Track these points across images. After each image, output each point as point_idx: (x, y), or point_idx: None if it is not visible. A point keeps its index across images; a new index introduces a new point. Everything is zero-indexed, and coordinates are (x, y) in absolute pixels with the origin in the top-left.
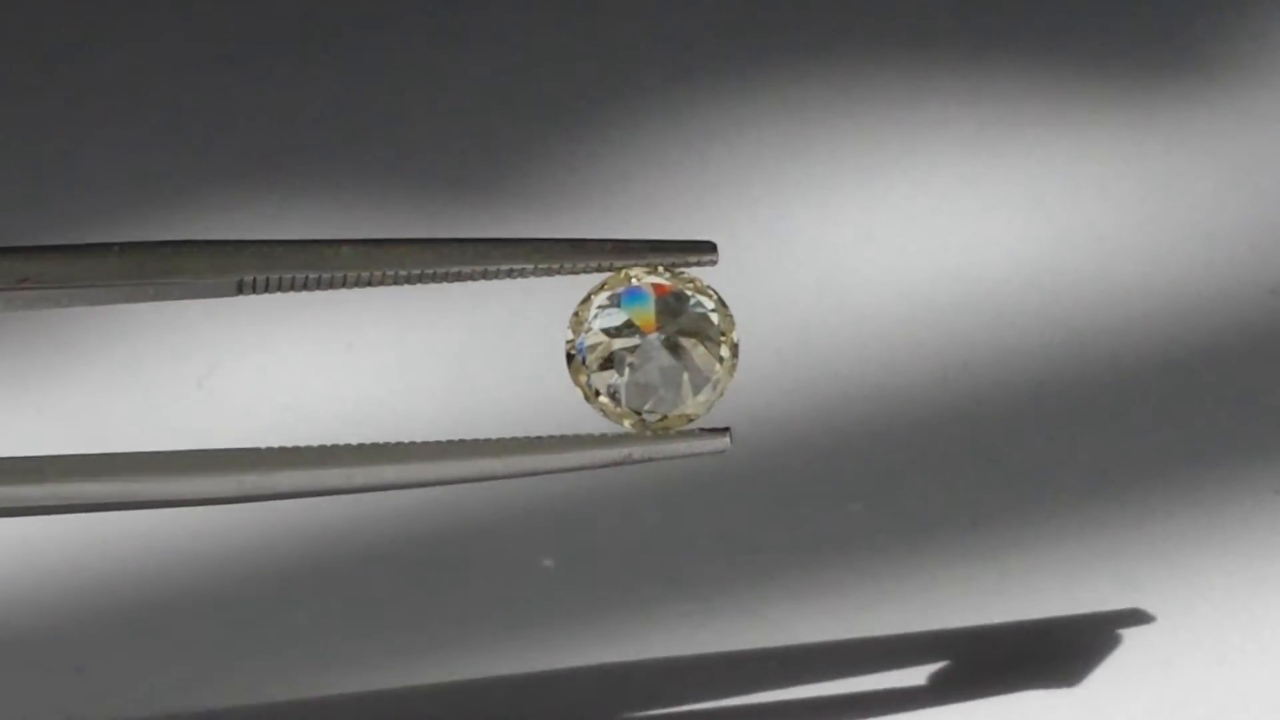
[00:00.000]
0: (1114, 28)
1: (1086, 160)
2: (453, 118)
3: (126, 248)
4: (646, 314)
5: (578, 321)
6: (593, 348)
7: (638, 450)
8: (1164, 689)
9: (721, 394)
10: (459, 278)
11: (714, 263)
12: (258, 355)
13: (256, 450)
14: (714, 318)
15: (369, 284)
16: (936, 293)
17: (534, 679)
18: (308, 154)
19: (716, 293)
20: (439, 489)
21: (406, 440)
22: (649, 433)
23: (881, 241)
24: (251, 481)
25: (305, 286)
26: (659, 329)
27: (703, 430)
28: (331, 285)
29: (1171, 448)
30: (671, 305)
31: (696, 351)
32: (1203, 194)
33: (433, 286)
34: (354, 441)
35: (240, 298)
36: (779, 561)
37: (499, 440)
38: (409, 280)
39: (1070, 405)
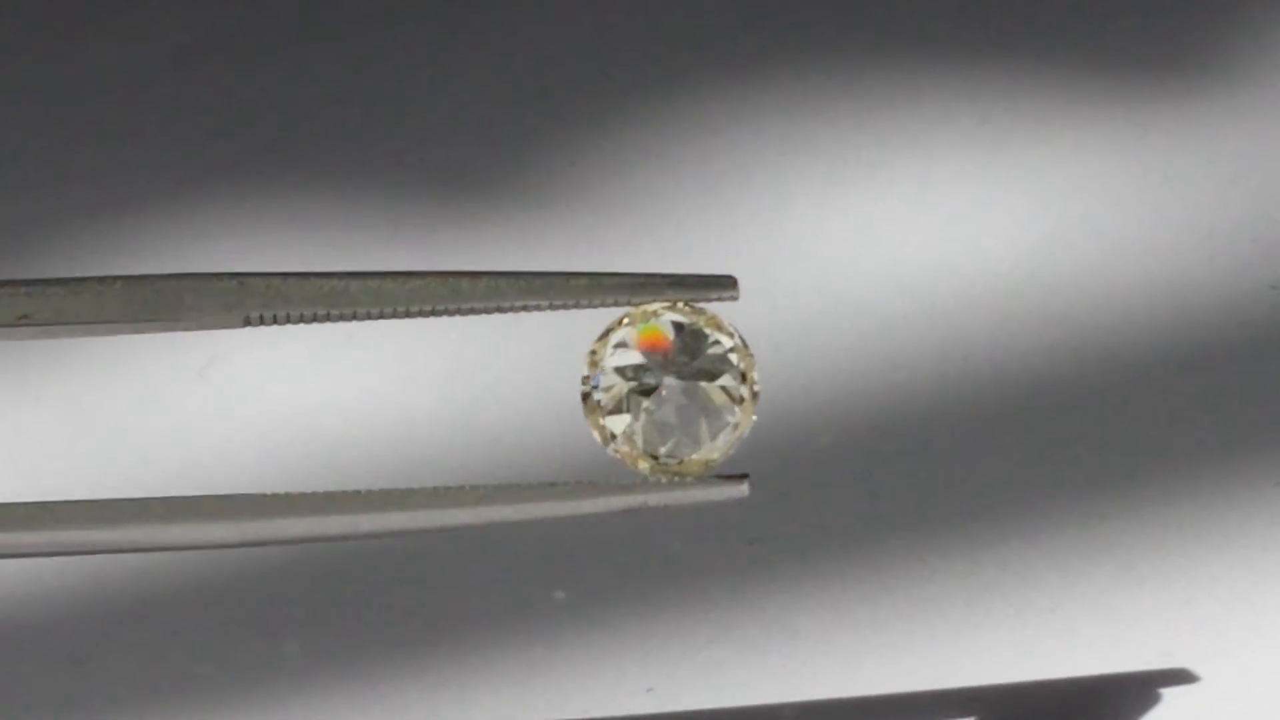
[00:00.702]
0: (1116, 24)
1: (1087, 155)
2: (454, 111)
3: (129, 283)
4: (660, 334)
5: (594, 359)
6: (608, 388)
7: (653, 498)
8: (1164, 680)
9: (741, 437)
10: (473, 312)
11: (735, 298)
12: (258, 346)
13: (260, 496)
14: (733, 358)
15: (380, 318)
16: (937, 286)
17: (533, 670)
18: (308, 149)
19: (737, 331)
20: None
21: (413, 486)
22: (665, 477)
23: (882, 235)
24: (253, 529)
25: (314, 320)
26: (676, 367)
27: (720, 477)
28: (341, 319)
29: (1172, 441)
30: (690, 345)
31: (715, 393)
32: (1203, 189)
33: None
34: (360, 489)
35: None
36: (778, 553)
37: (510, 487)
38: (421, 315)
39: (1071, 398)
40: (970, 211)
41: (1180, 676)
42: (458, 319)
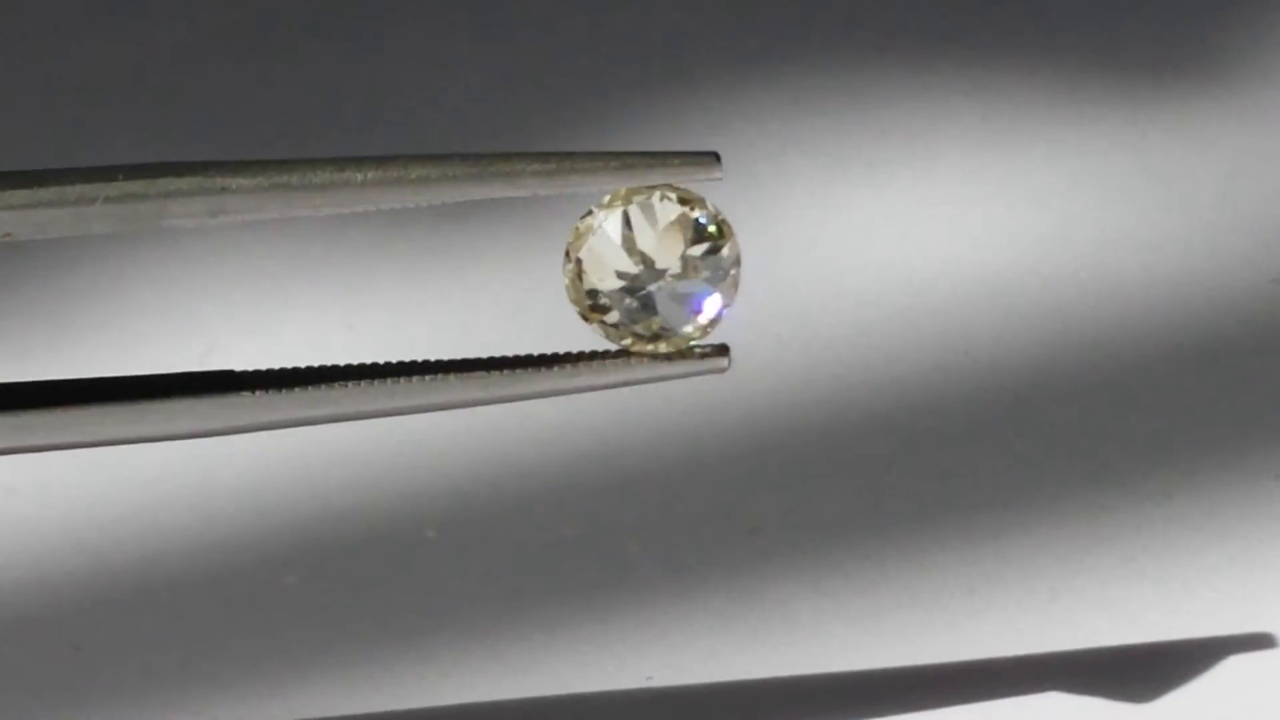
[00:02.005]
0: (1117, 20)
1: (1088, 150)
2: (454, 109)
3: (111, 199)
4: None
5: (577, 236)
6: (592, 270)
7: (636, 373)
8: (1163, 672)
9: (724, 311)
10: (452, 197)
11: (719, 177)
12: (257, 335)
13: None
14: (716, 238)
15: (350, 208)
16: (938, 281)
17: (532, 658)
18: (309, 147)
19: (716, 209)
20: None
21: (397, 362)
22: (649, 349)
23: (884, 230)
24: (245, 419)
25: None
26: (659, 258)
27: (702, 351)
28: (310, 208)
29: (1172, 433)
30: (674, 229)
31: (699, 272)
32: (1203, 184)
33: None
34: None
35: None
36: (778, 543)
37: (493, 362)
38: (390, 205)
39: (1071, 391)
40: (971, 207)
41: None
42: (459, 304)
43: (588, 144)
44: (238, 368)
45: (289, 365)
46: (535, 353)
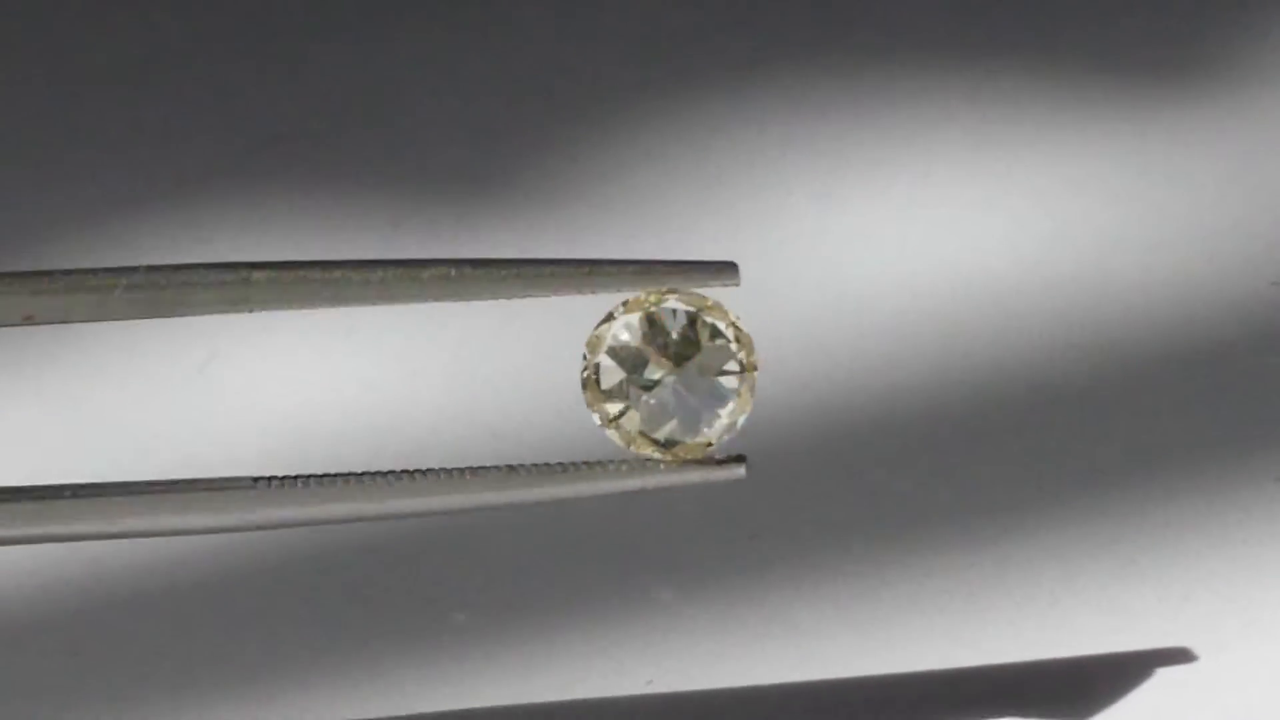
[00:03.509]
0: (1115, 22)
1: (1087, 153)
2: (454, 108)
3: (133, 286)
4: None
5: (594, 344)
6: (608, 373)
7: (651, 480)
8: (1163, 675)
9: (739, 422)
10: (474, 298)
11: (735, 284)
12: (258, 340)
13: (257, 481)
14: (733, 347)
15: (377, 304)
16: (937, 283)
17: (533, 662)
18: (309, 147)
19: (737, 318)
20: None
21: (413, 468)
22: (664, 459)
23: (883, 232)
24: (255, 516)
25: (317, 306)
26: (675, 358)
27: (718, 460)
28: (341, 304)
29: (1172, 436)
30: (689, 334)
31: (714, 383)
32: (1203, 186)
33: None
34: (359, 469)
35: None
36: (778, 547)
37: (506, 470)
38: (417, 300)
39: (1071, 394)
40: (970, 209)
41: (1179, 668)
42: (458, 311)
43: (588, 143)
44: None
45: (305, 472)
46: (553, 460)
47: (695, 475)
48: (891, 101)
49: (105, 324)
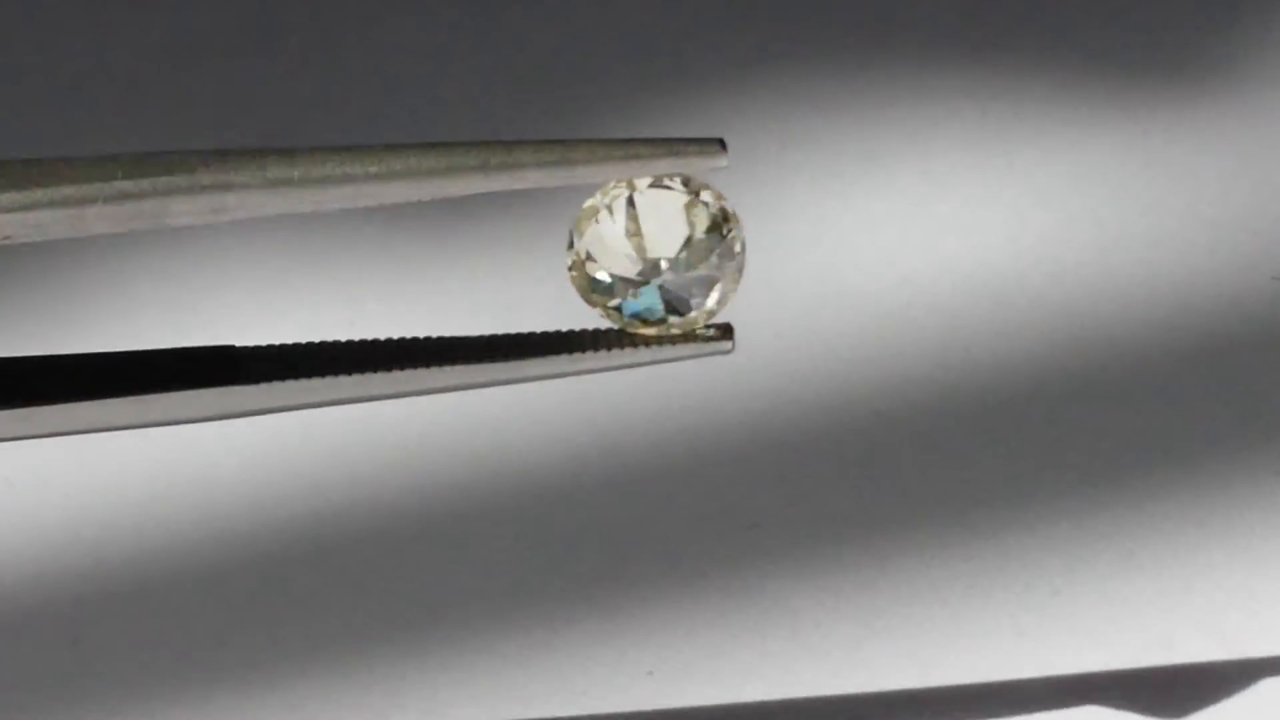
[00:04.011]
0: (1116, 18)
1: (1088, 148)
2: (454, 108)
3: (110, 200)
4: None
5: (580, 222)
6: (596, 268)
7: (644, 355)
8: (1164, 669)
9: (728, 298)
10: (465, 188)
11: (724, 166)
12: (258, 331)
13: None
14: (723, 230)
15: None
16: (939, 278)
17: (533, 653)
18: (308, 146)
19: (719, 195)
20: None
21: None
22: (654, 333)
23: (884, 227)
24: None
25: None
26: (664, 251)
27: (707, 335)
28: (326, 203)
29: (1172, 430)
30: (679, 223)
31: (705, 262)
32: (1204, 181)
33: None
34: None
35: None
36: (778, 538)
37: (496, 341)
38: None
39: (1072, 388)
40: (971, 204)
41: (1179, 662)
42: (459, 301)
43: (588, 134)
44: (238, 343)
45: (289, 342)
46: (540, 333)
47: (684, 350)
48: (892, 98)
49: (103, 316)
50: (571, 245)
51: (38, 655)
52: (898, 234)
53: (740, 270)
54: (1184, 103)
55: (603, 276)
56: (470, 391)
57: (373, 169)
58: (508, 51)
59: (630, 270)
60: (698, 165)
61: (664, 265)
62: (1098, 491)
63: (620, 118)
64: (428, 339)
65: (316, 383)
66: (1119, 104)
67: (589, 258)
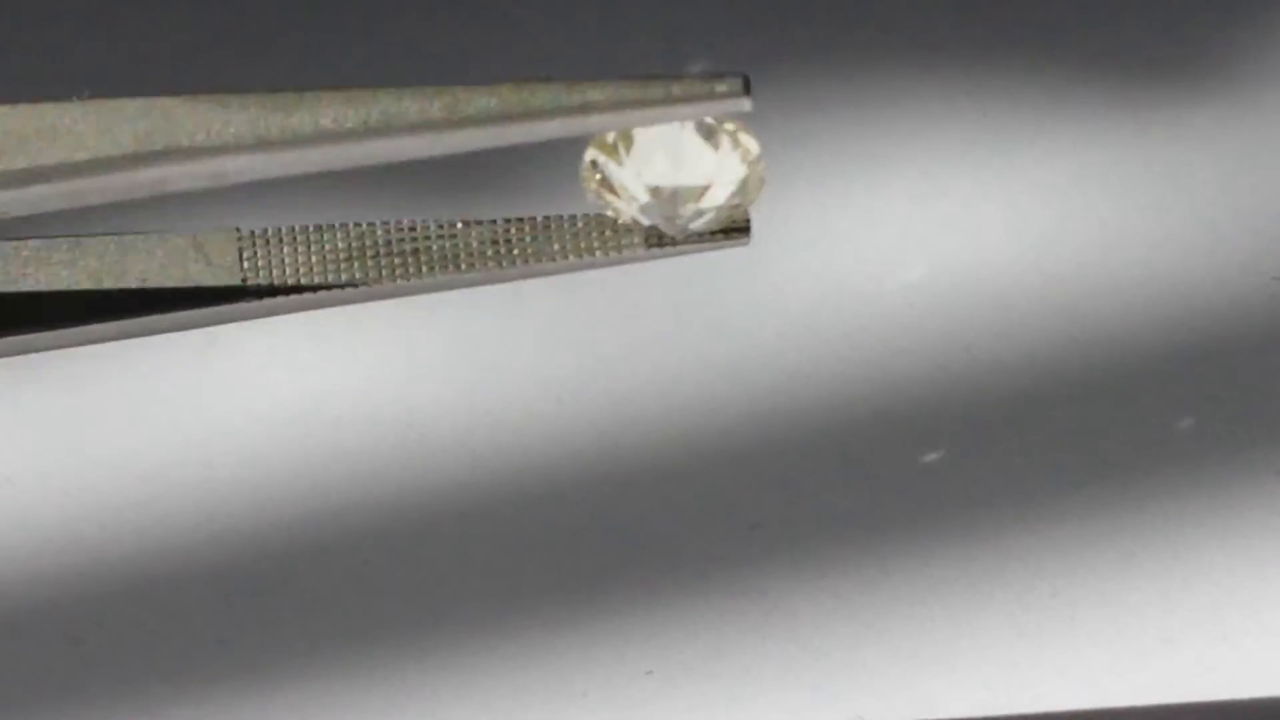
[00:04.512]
0: (1116, 17)
1: (1088, 147)
2: None
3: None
4: None
5: (600, 148)
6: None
7: (658, 251)
8: (1165, 667)
9: (748, 194)
10: (466, 123)
11: (748, 109)
12: (259, 327)
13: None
14: (732, 163)
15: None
16: (939, 277)
17: (533, 652)
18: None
19: (734, 128)
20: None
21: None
22: (672, 235)
23: (884, 226)
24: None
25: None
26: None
27: (724, 232)
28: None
29: (1172, 429)
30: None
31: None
32: (1204, 181)
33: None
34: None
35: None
36: (779, 538)
37: (507, 223)
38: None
39: (1072, 388)
40: (971, 203)
41: (1180, 661)
42: (462, 299)
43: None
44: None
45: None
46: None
47: (701, 245)
48: (892, 97)
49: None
50: (592, 167)
51: (37, 655)
52: (898, 234)
53: (761, 175)
54: (1184, 103)
55: (619, 207)
56: (470, 394)
57: (371, 117)
58: (505, 54)
59: (650, 213)
60: (720, 109)
61: (681, 201)
62: (1098, 491)
63: None
64: (438, 226)
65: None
66: (1119, 104)
67: (606, 192)
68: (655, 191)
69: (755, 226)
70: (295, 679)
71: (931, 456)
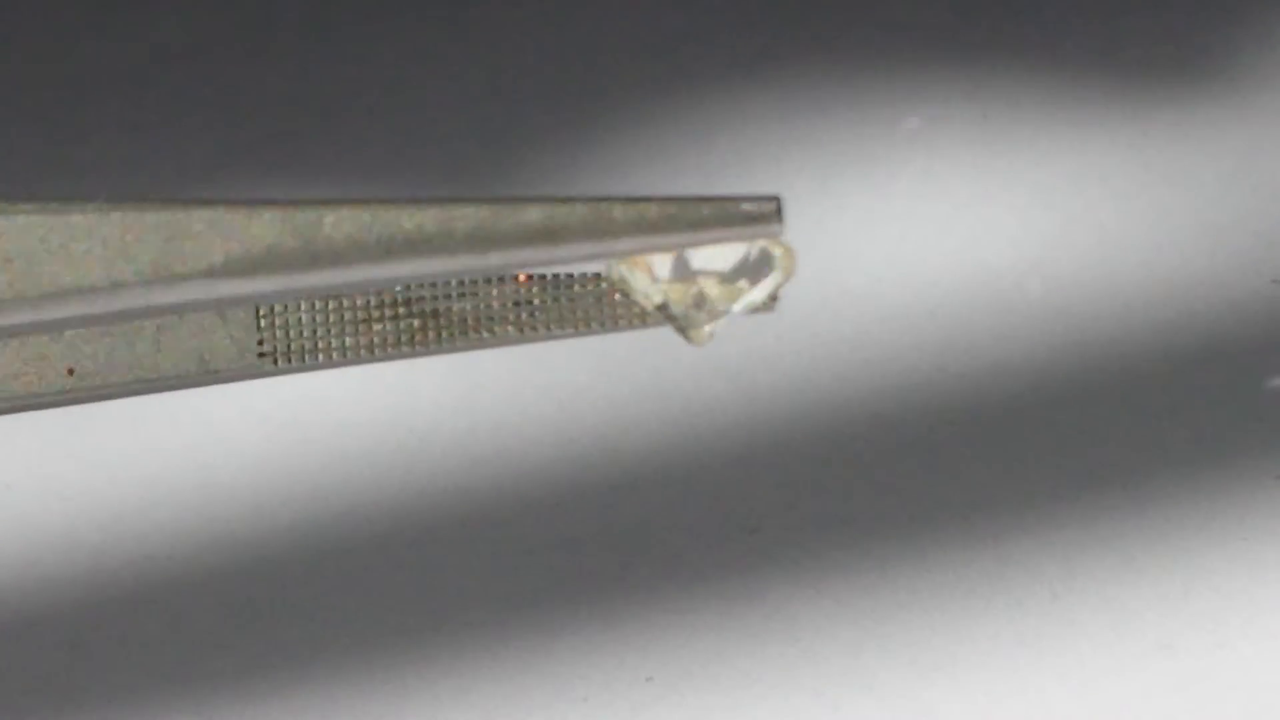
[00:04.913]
0: (1117, 19)
1: (1089, 150)
2: (453, 109)
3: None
4: None
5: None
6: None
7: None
8: (1163, 673)
9: (778, 292)
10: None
11: (779, 233)
12: None
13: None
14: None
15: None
16: (939, 280)
17: (532, 658)
18: (309, 147)
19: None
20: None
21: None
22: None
23: (884, 230)
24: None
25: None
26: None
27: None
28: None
29: (1172, 434)
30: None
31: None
32: (1205, 184)
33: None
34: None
35: None
36: (778, 543)
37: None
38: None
39: (1072, 392)
40: (971, 206)
41: (1178, 667)
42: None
43: (587, 145)
44: None
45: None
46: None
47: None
48: (892, 99)
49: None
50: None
51: (37, 660)
52: (898, 236)
53: (790, 262)
54: (1184, 105)
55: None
56: (469, 398)
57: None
58: (505, 55)
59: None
60: (753, 232)
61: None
62: (1097, 496)
63: (619, 122)
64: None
65: None
66: (1119, 106)
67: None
68: (680, 298)
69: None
70: (295, 684)
71: (929, 462)
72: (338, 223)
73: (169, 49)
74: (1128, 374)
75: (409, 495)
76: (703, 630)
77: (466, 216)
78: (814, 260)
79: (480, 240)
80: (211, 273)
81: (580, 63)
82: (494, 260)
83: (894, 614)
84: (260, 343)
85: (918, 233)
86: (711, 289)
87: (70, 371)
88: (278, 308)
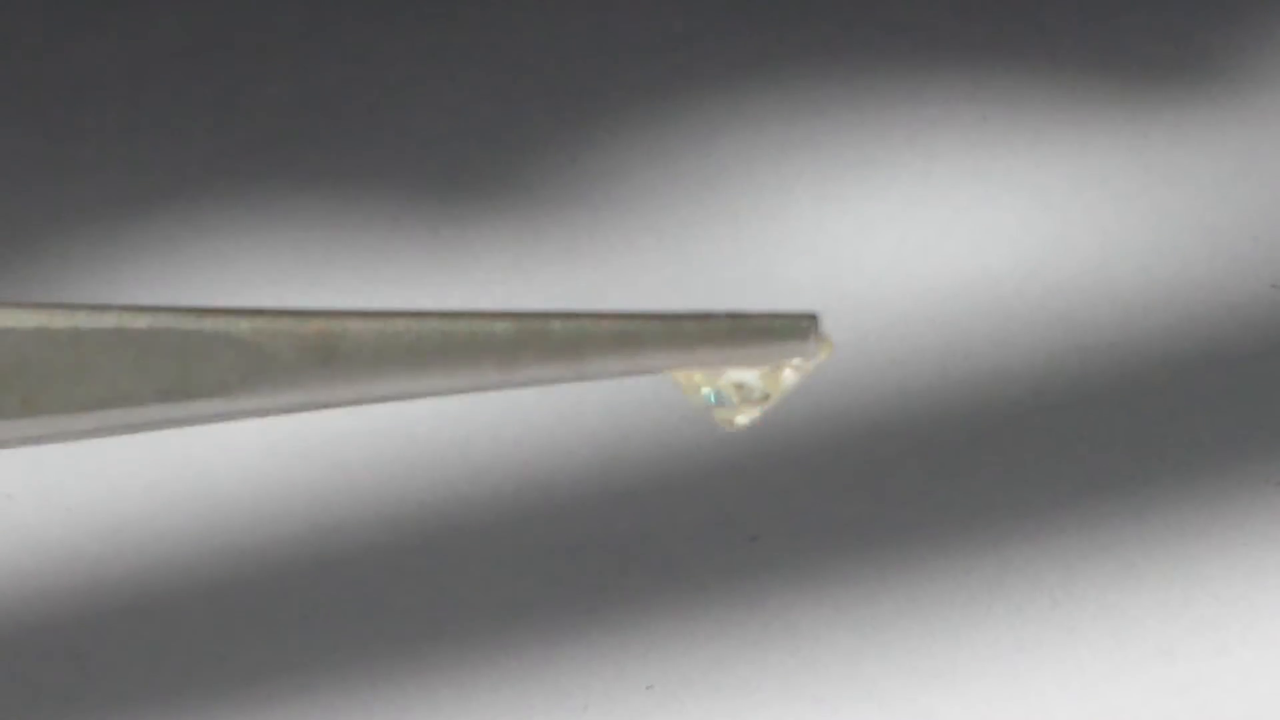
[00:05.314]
0: (1117, 23)
1: (1089, 154)
2: (454, 111)
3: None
4: None
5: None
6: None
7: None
8: (1163, 678)
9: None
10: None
11: (816, 353)
12: None
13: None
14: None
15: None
16: (938, 284)
17: (533, 667)
18: (309, 147)
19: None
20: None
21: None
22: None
23: (883, 233)
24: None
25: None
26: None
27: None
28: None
29: (1172, 440)
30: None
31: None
32: (1205, 188)
33: (436, 279)
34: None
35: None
36: (778, 550)
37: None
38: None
39: (1071, 397)
40: (971, 210)
41: (1178, 673)
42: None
43: (588, 144)
44: None
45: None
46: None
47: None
48: (892, 101)
49: None
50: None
51: (39, 669)
52: (897, 239)
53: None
54: (1184, 108)
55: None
56: (468, 407)
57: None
58: (506, 56)
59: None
60: (789, 351)
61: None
62: (1097, 502)
63: (619, 122)
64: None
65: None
66: (1119, 109)
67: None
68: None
69: (754, 230)
70: (295, 692)
71: (929, 468)
72: (361, 334)
73: (169, 49)
74: (1127, 379)
75: (409, 504)
76: (703, 638)
77: (495, 332)
78: (813, 264)
79: (508, 356)
80: (228, 392)
81: (581, 63)
82: (520, 377)
83: (894, 621)
84: None
85: (917, 236)
86: (749, 377)
87: None
88: None
